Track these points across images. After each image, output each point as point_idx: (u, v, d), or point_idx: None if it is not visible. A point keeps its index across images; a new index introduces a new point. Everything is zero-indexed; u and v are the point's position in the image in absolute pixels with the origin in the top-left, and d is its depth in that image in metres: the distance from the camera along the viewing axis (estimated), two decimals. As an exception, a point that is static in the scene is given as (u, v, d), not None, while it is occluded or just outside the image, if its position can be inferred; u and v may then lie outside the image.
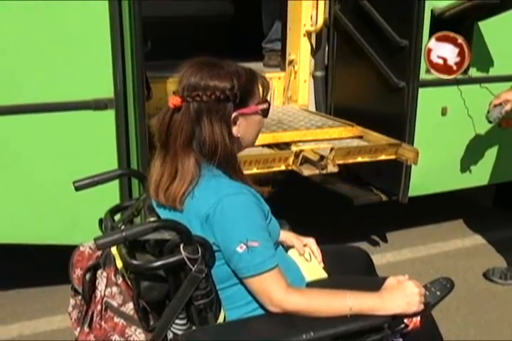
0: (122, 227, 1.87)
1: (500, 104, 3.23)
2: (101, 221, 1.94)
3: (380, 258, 3.79)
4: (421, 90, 3.45)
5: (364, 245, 4.00)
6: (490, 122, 3.33)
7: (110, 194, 2.80)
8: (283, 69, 4.23)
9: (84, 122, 2.87)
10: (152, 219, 1.78)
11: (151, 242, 1.70)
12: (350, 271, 2.15)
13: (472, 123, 3.70)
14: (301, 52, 4.09)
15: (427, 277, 1.89)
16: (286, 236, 2.11)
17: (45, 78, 2.76)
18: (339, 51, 3.90)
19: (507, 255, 3.77)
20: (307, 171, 3.15)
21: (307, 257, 2.05)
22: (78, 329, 1.85)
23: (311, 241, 2.12)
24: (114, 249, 1.72)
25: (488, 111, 3.27)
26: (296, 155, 3.16)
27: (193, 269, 1.57)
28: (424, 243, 4.09)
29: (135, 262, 1.60)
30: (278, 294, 1.64)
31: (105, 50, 2.79)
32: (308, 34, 4.04)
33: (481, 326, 3.11)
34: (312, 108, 4.14)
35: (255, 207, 1.68)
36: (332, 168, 3.16)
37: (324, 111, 4.03)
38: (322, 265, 2.07)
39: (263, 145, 3.31)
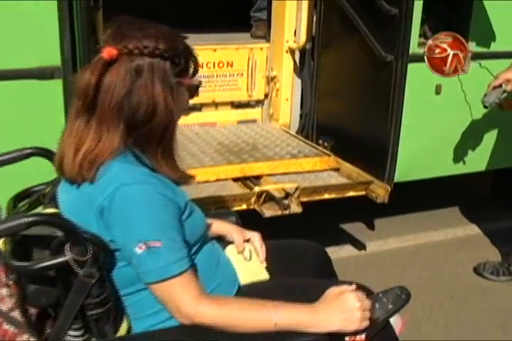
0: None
1: (500, 85, 2.90)
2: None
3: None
4: (412, 65, 3.10)
5: (349, 232, 3.73)
6: (485, 107, 3.00)
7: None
8: (268, 40, 3.95)
9: (28, 92, 2.58)
10: (48, 210, 1.50)
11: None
12: (302, 270, 1.88)
13: (469, 103, 3.37)
14: (283, 69, 3.87)
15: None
16: (228, 229, 1.85)
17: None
18: (326, 21, 3.56)
19: (502, 248, 3.47)
20: (269, 212, 2.89)
21: (246, 255, 1.77)
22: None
23: (255, 236, 1.84)
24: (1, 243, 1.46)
25: (485, 95, 2.93)
26: (259, 195, 2.90)
27: (80, 273, 1.30)
28: (413, 232, 3.79)
29: (14, 263, 1.33)
30: (186, 304, 1.36)
31: (51, 13, 2.50)
32: (291, 51, 3.81)
33: (465, 328, 2.81)
34: (295, 125, 3.91)
35: (162, 200, 1.39)
36: (296, 208, 2.92)
37: (309, 88, 3.72)
38: (265, 264, 1.79)
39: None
